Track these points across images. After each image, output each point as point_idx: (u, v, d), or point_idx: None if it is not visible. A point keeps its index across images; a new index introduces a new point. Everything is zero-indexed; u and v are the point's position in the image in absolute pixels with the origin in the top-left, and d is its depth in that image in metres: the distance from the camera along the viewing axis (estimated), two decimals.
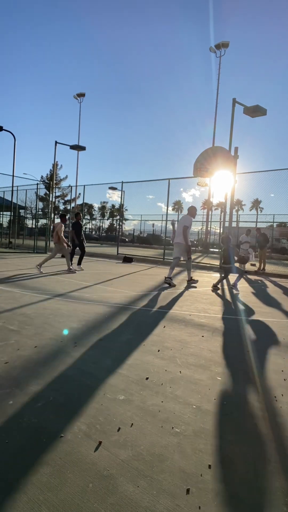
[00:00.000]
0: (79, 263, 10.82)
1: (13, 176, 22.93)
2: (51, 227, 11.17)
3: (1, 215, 22.61)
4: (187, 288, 8.34)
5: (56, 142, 26.14)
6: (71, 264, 10.04)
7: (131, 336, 3.97)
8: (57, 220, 11.86)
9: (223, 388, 2.74)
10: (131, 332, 4.11)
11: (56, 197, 58.49)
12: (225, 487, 1.63)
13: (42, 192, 31.38)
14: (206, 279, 10.64)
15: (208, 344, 3.90)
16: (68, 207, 60.58)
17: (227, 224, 12.95)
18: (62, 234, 9.76)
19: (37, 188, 21.30)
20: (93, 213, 69.30)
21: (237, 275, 8.68)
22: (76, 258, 11.02)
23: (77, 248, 11.02)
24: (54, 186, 31.42)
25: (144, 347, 3.59)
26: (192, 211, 9.14)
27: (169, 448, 1.91)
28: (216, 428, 2.14)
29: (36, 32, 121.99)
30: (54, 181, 33.57)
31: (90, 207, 64.62)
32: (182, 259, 9.06)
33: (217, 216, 64.44)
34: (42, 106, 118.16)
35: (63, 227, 9.90)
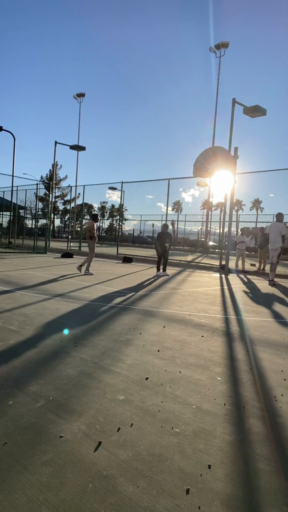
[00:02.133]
0: (164, 269, 10.83)
1: (12, 176, 22.93)
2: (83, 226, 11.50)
3: (1, 215, 22.59)
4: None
5: (56, 142, 26.18)
6: (85, 266, 10.04)
7: (131, 336, 3.97)
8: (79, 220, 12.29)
9: (223, 388, 2.74)
10: (131, 332, 4.11)
11: (56, 197, 58.57)
12: (225, 487, 1.63)
13: (42, 192, 31.36)
14: (206, 279, 10.65)
15: (208, 344, 3.90)
16: (68, 207, 60.64)
17: (226, 224, 12.95)
18: (94, 233, 10.01)
19: (36, 188, 21.30)
20: (93, 213, 69.24)
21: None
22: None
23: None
24: (54, 186, 31.42)
25: (144, 347, 3.59)
26: (280, 217, 10.04)
27: (169, 448, 1.91)
28: (216, 428, 2.14)
29: (35, 32, 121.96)
30: (54, 181, 33.55)
31: (90, 207, 64.57)
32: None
33: (217, 216, 64.48)
34: (42, 106, 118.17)
35: (95, 226, 10.16)
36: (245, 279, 11.34)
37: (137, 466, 1.74)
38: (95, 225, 10.23)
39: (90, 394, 2.48)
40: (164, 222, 12.72)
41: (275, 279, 10.57)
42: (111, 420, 2.15)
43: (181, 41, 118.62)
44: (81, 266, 9.85)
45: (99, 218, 12.45)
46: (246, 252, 14.36)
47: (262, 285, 10.08)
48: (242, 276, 12.41)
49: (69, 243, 21.79)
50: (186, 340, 3.97)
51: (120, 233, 26.74)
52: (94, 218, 10.49)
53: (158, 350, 3.53)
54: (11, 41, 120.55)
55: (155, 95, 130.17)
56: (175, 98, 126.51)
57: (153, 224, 42.81)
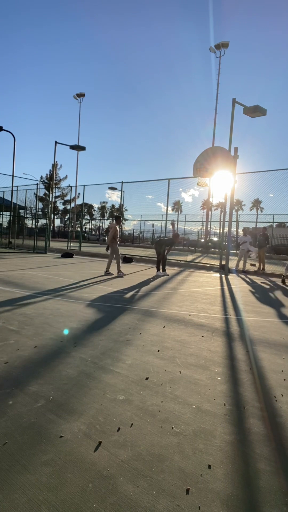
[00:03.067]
0: (163, 269, 10.88)
1: (12, 176, 22.92)
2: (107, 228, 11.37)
3: (1, 215, 22.58)
4: None
5: (56, 142, 26.15)
6: (113, 267, 10.18)
7: (131, 336, 3.97)
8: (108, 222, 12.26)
9: (223, 388, 2.74)
10: (130, 332, 4.11)
11: (56, 197, 58.58)
12: (225, 487, 1.63)
13: (42, 192, 31.40)
14: (206, 279, 10.64)
15: (208, 344, 3.90)
16: (68, 207, 60.65)
17: (226, 224, 12.95)
18: (117, 235, 10.03)
19: (36, 188, 21.32)
20: (93, 213, 69.36)
21: None
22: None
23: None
24: (53, 186, 31.41)
25: (144, 347, 3.59)
26: None
27: (168, 448, 1.91)
28: (216, 428, 2.14)
29: (36, 32, 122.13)
30: (54, 181, 33.54)
31: (90, 207, 64.59)
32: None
33: (217, 216, 64.46)
34: (42, 106, 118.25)
35: (118, 228, 10.14)
36: (245, 279, 11.34)
37: (137, 466, 1.74)
38: (118, 227, 10.20)
39: (90, 394, 2.48)
40: (175, 230, 12.74)
41: None
42: (111, 420, 2.15)
43: (181, 41, 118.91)
44: (107, 270, 10.01)
45: (121, 220, 12.10)
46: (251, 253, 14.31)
47: (262, 285, 10.08)
48: (242, 276, 12.41)
49: (69, 243, 21.79)
50: (186, 340, 3.97)
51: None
52: (117, 220, 10.42)
53: (158, 350, 3.53)
54: (11, 41, 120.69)
55: (155, 95, 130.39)
56: (175, 98, 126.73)
57: (153, 224, 42.76)
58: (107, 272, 9.96)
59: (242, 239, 13.63)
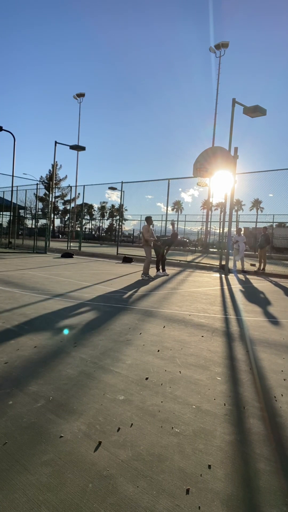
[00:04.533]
0: (163, 268, 10.76)
1: (12, 176, 22.91)
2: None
3: (1, 215, 22.57)
4: None
5: (56, 142, 26.16)
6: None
7: (131, 336, 3.97)
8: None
9: (223, 388, 2.74)
10: (130, 332, 4.11)
11: (56, 197, 58.60)
12: (225, 487, 1.63)
13: (42, 192, 31.38)
14: (206, 279, 10.64)
15: (208, 344, 3.90)
16: (68, 207, 60.67)
17: (226, 224, 12.94)
18: (149, 236, 9.75)
19: (36, 188, 21.30)
20: (93, 213, 69.38)
21: None
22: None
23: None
24: (53, 186, 31.42)
25: (144, 347, 3.59)
26: None
27: (168, 448, 1.91)
28: (216, 428, 2.14)
29: (36, 32, 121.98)
30: (54, 181, 33.53)
31: (90, 207, 64.61)
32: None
33: (217, 216, 64.44)
34: (42, 106, 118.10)
35: (149, 229, 9.87)
36: (245, 279, 11.34)
37: (137, 466, 1.74)
38: (151, 227, 9.90)
39: (90, 394, 2.48)
40: (175, 230, 12.62)
41: None
42: (111, 420, 2.15)
43: (181, 41, 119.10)
44: (144, 274, 9.63)
45: (152, 220, 11.28)
46: (246, 252, 14.26)
47: (262, 285, 10.08)
48: (242, 276, 12.41)
49: (69, 243, 21.79)
50: (186, 340, 3.97)
51: (120, 233, 26.71)
52: (148, 221, 10.03)
53: (158, 350, 3.53)
54: (11, 41, 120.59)
55: (155, 95, 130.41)
56: (175, 98, 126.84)
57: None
58: (146, 276, 9.59)
59: (235, 238, 13.59)
